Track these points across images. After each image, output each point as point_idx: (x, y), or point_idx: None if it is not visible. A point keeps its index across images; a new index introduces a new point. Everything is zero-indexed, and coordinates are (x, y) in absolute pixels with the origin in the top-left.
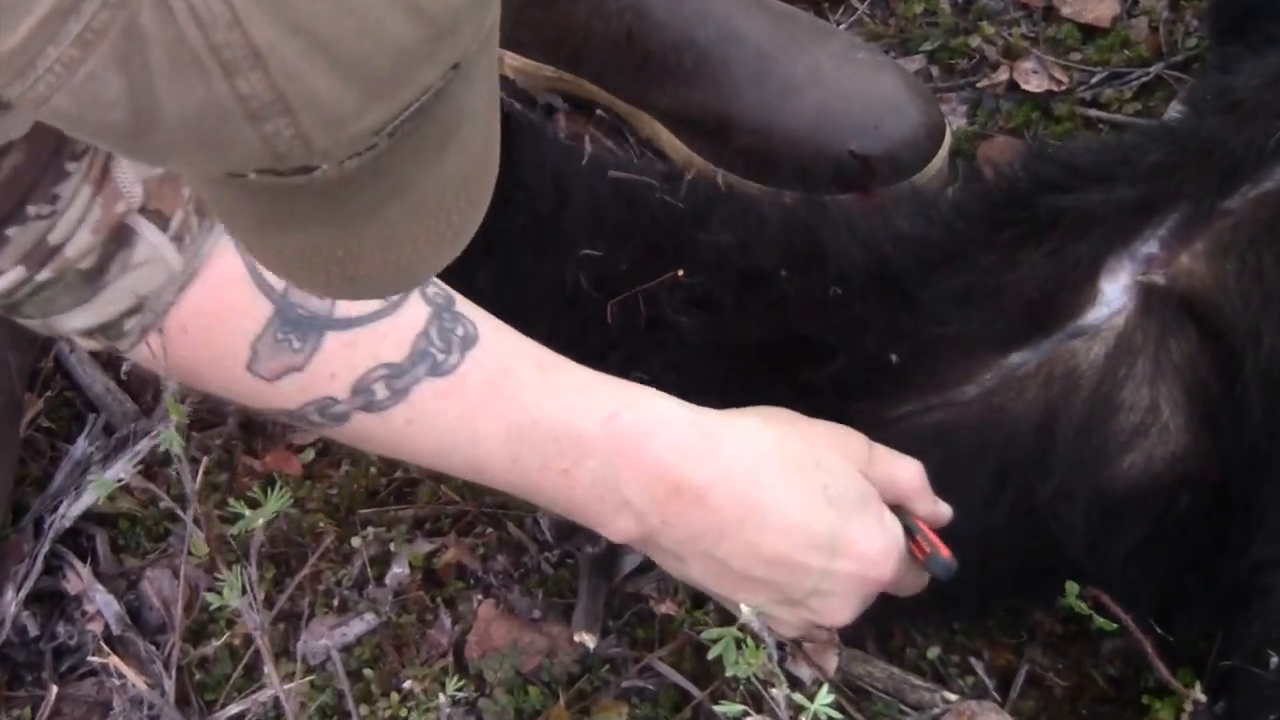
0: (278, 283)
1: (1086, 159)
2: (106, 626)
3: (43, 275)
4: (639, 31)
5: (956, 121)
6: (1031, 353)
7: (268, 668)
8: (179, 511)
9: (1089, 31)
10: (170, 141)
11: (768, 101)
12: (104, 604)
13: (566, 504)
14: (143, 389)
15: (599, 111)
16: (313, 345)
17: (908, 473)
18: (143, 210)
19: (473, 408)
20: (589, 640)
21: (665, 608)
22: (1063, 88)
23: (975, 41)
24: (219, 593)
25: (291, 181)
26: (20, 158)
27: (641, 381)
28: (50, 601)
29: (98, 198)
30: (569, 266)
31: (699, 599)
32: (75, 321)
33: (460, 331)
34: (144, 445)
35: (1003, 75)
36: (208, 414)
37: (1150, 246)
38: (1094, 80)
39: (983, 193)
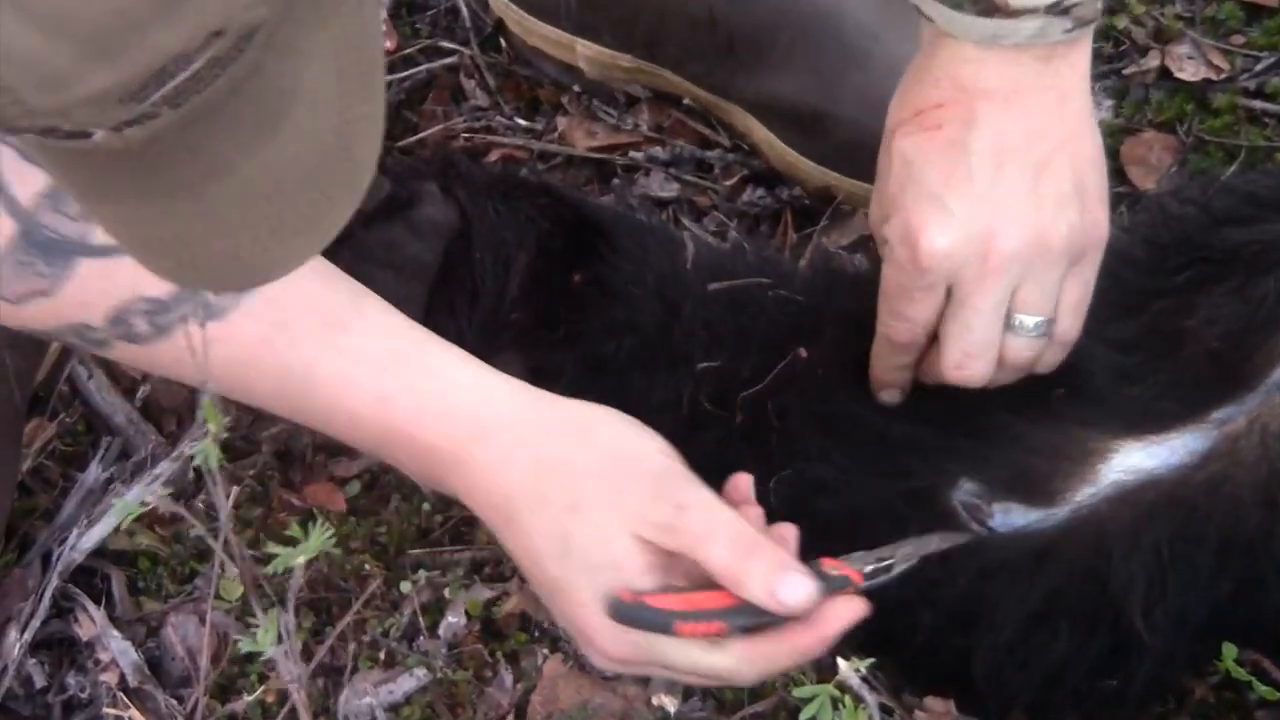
0: (27, 200)
1: (1269, 185)
2: (123, 678)
3: None
4: (722, 8)
5: (1099, 114)
6: (1237, 407)
7: None
8: (210, 541)
9: (1254, 10)
10: None
11: (871, 86)
12: (120, 652)
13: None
14: (164, 417)
15: (686, 101)
16: (61, 270)
17: (714, 553)
18: None
19: (242, 359)
20: (669, 703)
21: None
22: (1222, 76)
23: (1122, 22)
24: (251, 636)
25: (75, 145)
26: None
27: (787, 487)
28: (60, 648)
29: None
30: (685, 384)
31: None
32: None
33: None
34: (164, 468)
35: (1153, 61)
36: (241, 441)
37: None
38: (1259, 67)
39: (1149, 234)
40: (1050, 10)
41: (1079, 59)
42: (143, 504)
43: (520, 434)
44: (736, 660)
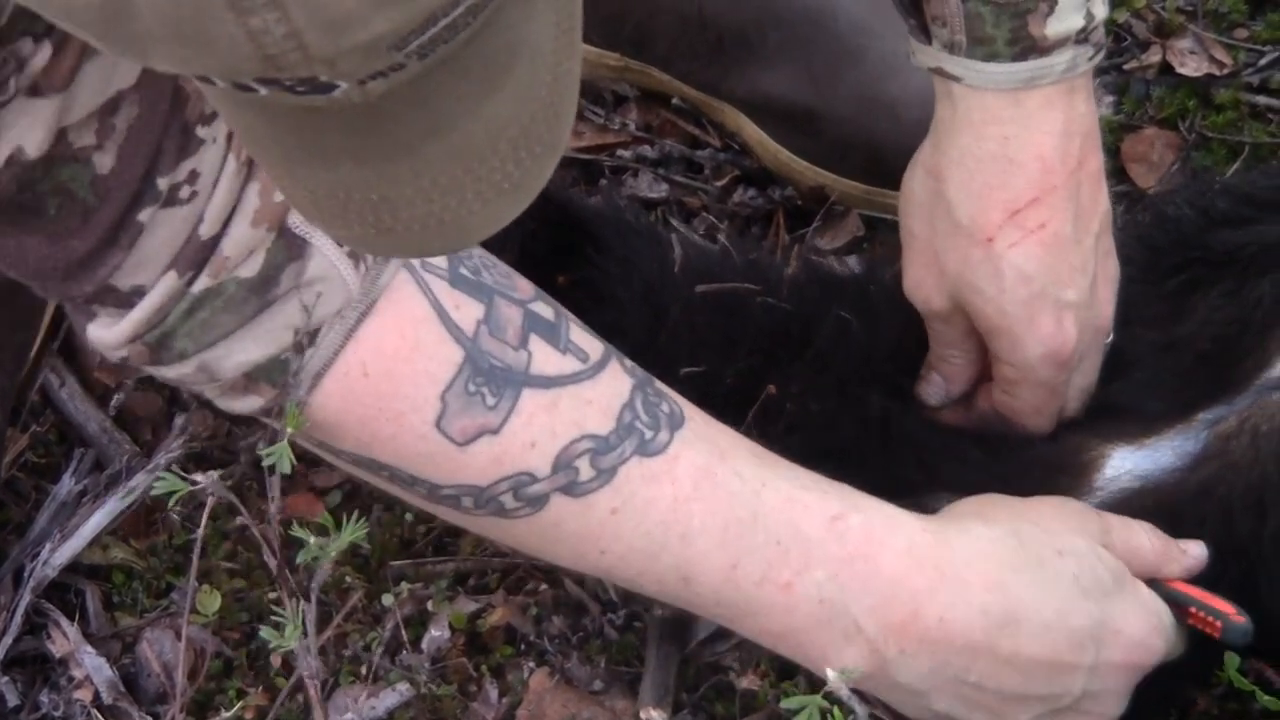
0: (468, 327)
1: (1264, 186)
2: (97, 695)
3: (200, 284)
4: (711, 5)
5: (1100, 110)
6: (1227, 408)
7: None
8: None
9: (1257, 4)
10: (149, 31)
11: (866, 85)
12: (94, 668)
13: (782, 630)
14: (139, 427)
15: (675, 100)
16: (509, 403)
17: (1146, 536)
18: None
19: (687, 496)
20: (658, 717)
21: (747, 680)
22: (1225, 71)
23: (1123, 16)
24: (272, 630)
25: (309, 101)
26: (135, 111)
27: None
28: (33, 666)
29: (252, 182)
30: (670, 388)
31: (786, 670)
32: (239, 355)
33: (666, 408)
34: (140, 480)
35: (1154, 56)
36: (219, 450)
37: None
38: (1263, 62)
39: (1145, 237)
40: (1078, 39)
41: (1091, 83)
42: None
43: (971, 524)
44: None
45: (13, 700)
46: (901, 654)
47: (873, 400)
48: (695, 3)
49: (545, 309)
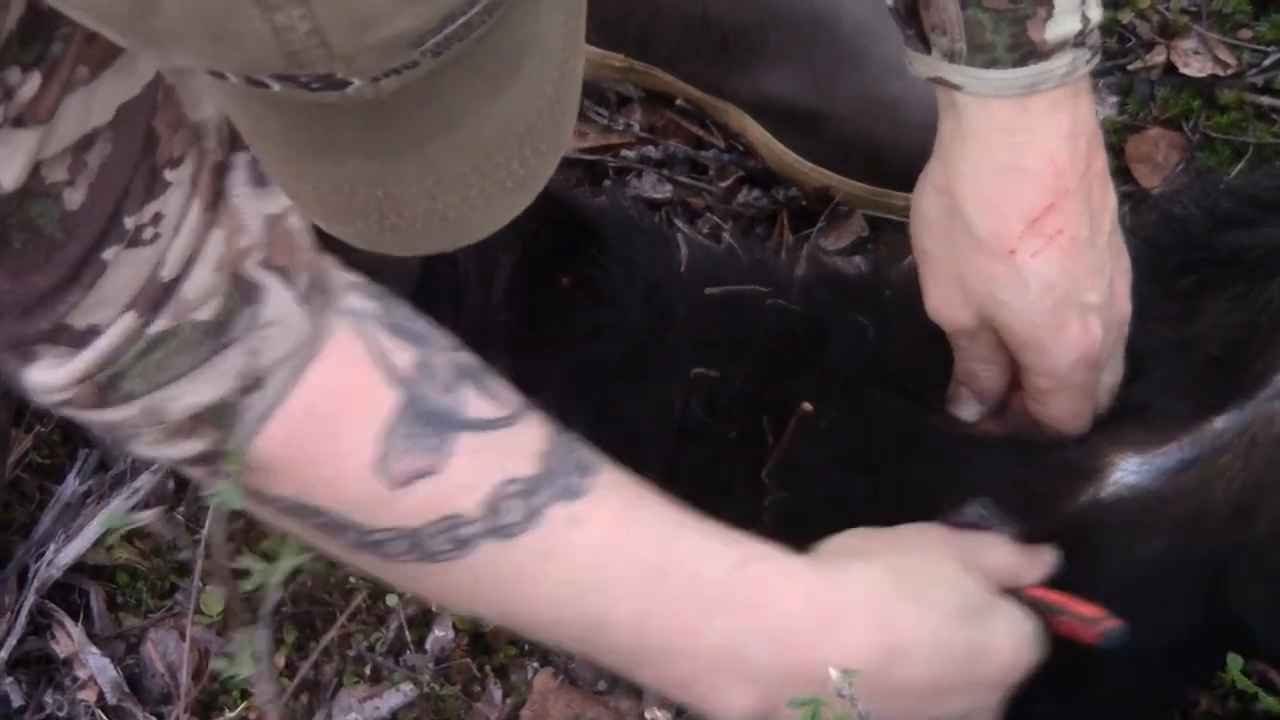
0: (407, 368)
1: (1269, 187)
2: (101, 695)
3: (157, 326)
4: (716, 6)
5: (1104, 111)
6: (1233, 418)
7: None
8: (192, 556)
9: (1261, 4)
10: (175, 27)
11: (868, 85)
12: (99, 669)
13: (684, 676)
14: None
15: (679, 101)
16: (448, 445)
17: (998, 548)
18: (266, 264)
19: (605, 540)
20: (662, 717)
21: None
22: (1230, 71)
23: (1126, 17)
24: (229, 657)
25: (322, 98)
26: (108, 149)
27: (780, 507)
28: (37, 666)
29: (215, 228)
30: (678, 392)
31: None
32: (189, 396)
33: (581, 455)
34: (144, 481)
35: (1159, 57)
36: None
37: None
38: (1267, 62)
39: (1152, 237)
40: (1076, 42)
41: (1089, 85)
42: (134, 510)
43: (854, 567)
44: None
45: (17, 701)
46: (794, 692)
47: (890, 406)
48: (699, 3)
49: (469, 358)
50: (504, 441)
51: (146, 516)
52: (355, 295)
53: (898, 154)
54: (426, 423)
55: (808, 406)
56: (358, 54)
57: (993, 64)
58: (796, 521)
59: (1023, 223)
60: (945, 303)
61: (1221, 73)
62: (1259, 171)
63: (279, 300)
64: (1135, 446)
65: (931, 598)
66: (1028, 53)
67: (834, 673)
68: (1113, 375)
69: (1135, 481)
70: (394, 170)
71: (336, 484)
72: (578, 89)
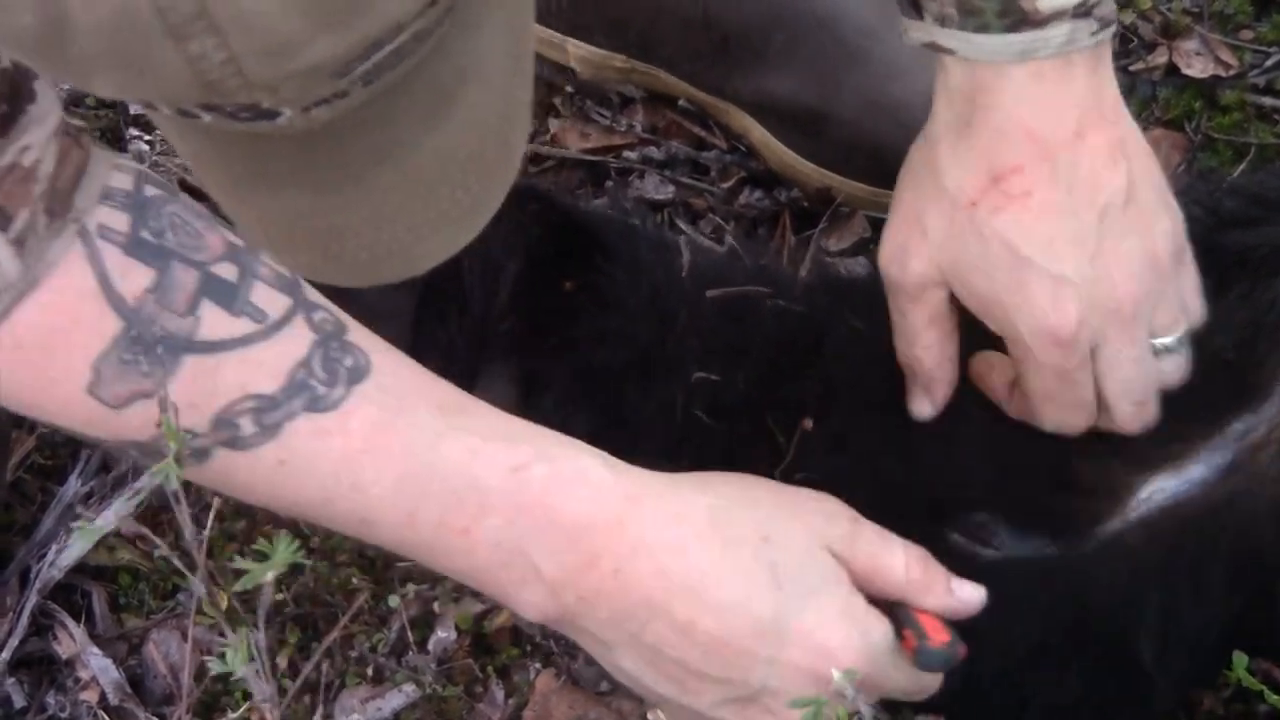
0: (133, 296)
1: (1272, 186)
2: (103, 696)
3: None
4: (717, 8)
5: None
6: (1255, 417)
7: None
8: (182, 565)
9: (1263, 4)
10: (88, 55)
11: (870, 87)
12: (101, 670)
13: (468, 571)
14: None
15: (681, 102)
16: (167, 369)
17: (898, 561)
18: None
19: (358, 449)
20: (664, 718)
21: None
22: (1231, 72)
23: (1129, 18)
24: (222, 657)
25: (255, 128)
26: None
27: None
28: (39, 667)
29: None
30: (680, 395)
31: None
32: None
33: (349, 362)
34: (145, 481)
35: (1160, 57)
36: None
37: None
38: (1269, 63)
39: None
40: (1076, 12)
41: (1109, 61)
42: (108, 528)
43: (680, 489)
44: (911, 678)
45: (19, 701)
46: (580, 600)
47: (890, 417)
48: (700, 5)
49: (229, 269)
50: (242, 360)
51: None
52: (105, 209)
53: (899, 155)
54: (146, 348)
55: (808, 424)
56: (278, 83)
57: (983, 29)
58: None
59: (987, 177)
60: (902, 249)
61: (1223, 73)
62: (1262, 171)
63: None
64: (1158, 458)
65: (754, 552)
66: (1019, 20)
67: (835, 673)
68: (1119, 371)
69: (1166, 494)
70: (333, 201)
71: (54, 405)
72: (526, 120)
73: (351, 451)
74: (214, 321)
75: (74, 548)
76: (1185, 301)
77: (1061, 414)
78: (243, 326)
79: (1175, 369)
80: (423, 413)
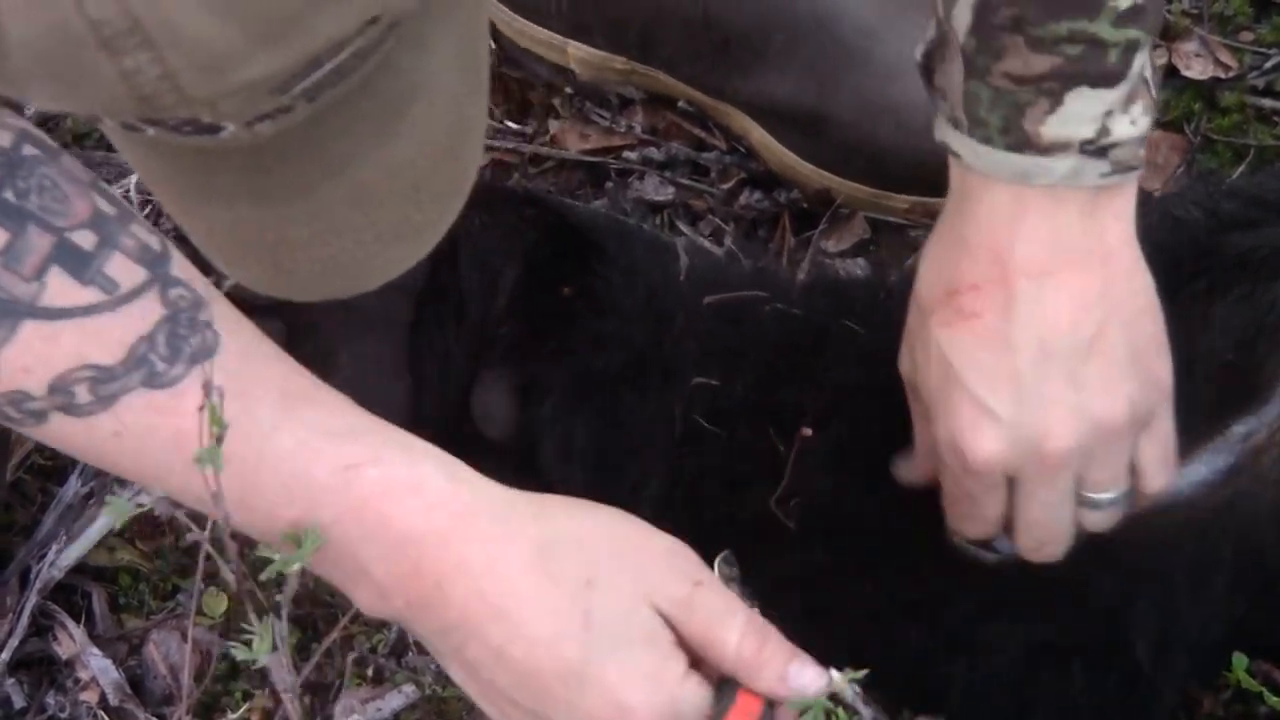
0: None
1: (1275, 188)
2: (103, 696)
3: None
4: (716, 9)
5: None
6: (1257, 420)
7: None
8: (213, 551)
9: (1263, 6)
10: (22, 68)
11: (870, 88)
12: (100, 670)
13: (303, 561)
14: None
15: (681, 103)
16: (5, 333)
17: (731, 636)
18: None
19: (190, 430)
20: None
21: None
22: (1231, 74)
23: None
24: (248, 644)
25: (197, 142)
26: None
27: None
28: (39, 667)
29: None
30: (678, 401)
31: None
32: None
33: (196, 341)
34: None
35: (1160, 59)
36: None
37: None
38: (1268, 65)
39: (1155, 240)
40: (1085, 149)
41: (1124, 207)
42: (137, 505)
43: (517, 513)
44: None
45: (19, 702)
46: (409, 606)
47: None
48: (700, 6)
49: (87, 238)
50: (82, 329)
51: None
52: None
53: (899, 156)
54: None
55: (807, 431)
56: (217, 98)
57: (987, 141)
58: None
59: (944, 291)
60: (902, 350)
61: (1223, 75)
62: (1261, 173)
63: None
64: None
65: (574, 593)
66: (1021, 141)
67: (835, 675)
68: (1040, 512)
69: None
70: (283, 215)
71: None
72: (479, 136)
73: (183, 431)
74: (60, 289)
75: (78, 545)
76: (1141, 462)
77: (960, 522)
78: (89, 296)
79: (1100, 521)
80: (261, 400)
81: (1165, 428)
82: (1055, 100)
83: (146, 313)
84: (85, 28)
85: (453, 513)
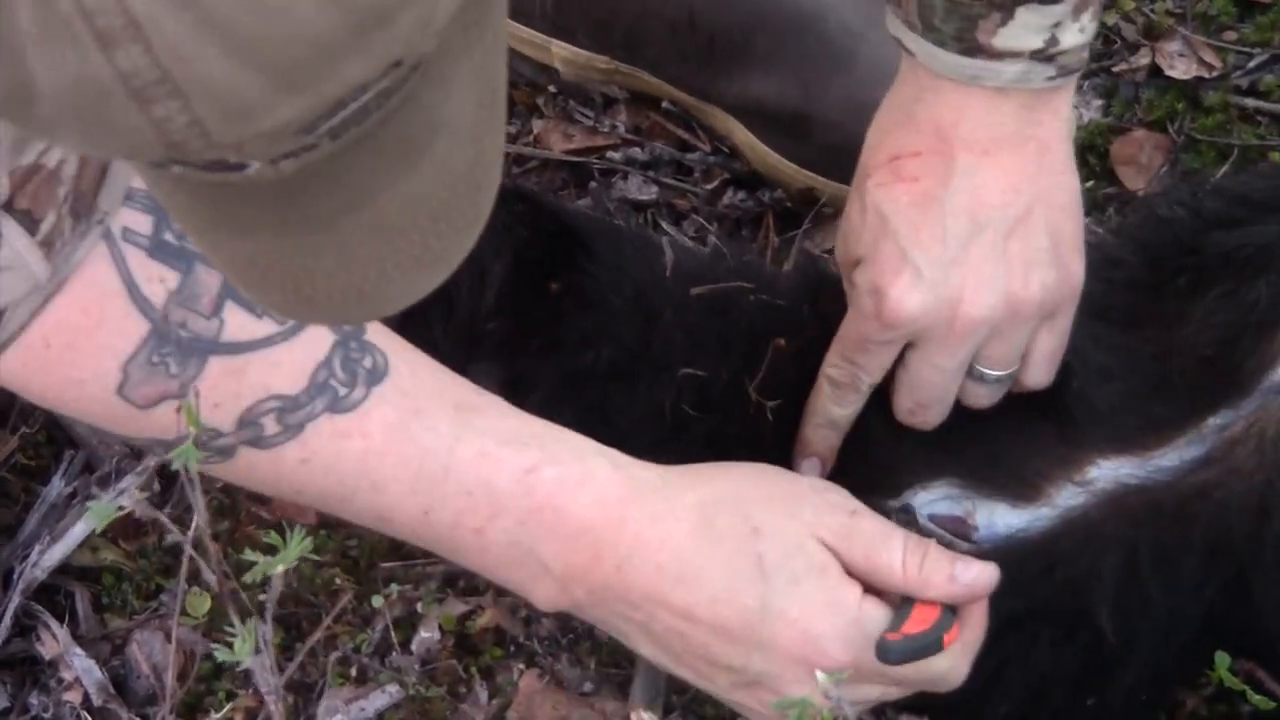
0: (159, 299)
1: (1260, 187)
2: (86, 697)
3: None
4: (702, 9)
5: (1088, 114)
6: (1230, 414)
7: None
8: (187, 549)
9: (1246, 6)
10: (53, 116)
11: (855, 89)
12: (84, 670)
13: (483, 566)
14: None
15: (665, 103)
16: (193, 371)
17: (895, 558)
18: (8, 208)
19: (377, 451)
20: (648, 718)
21: None
22: (1214, 73)
23: (1111, 19)
24: (229, 645)
25: (226, 179)
26: None
27: None
28: (22, 667)
29: None
30: (666, 392)
31: None
32: None
33: (369, 363)
34: (129, 481)
35: (1143, 59)
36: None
37: None
38: (1252, 64)
39: (1139, 238)
40: (1035, 56)
41: (1062, 105)
42: (119, 508)
43: (674, 486)
44: (952, 658)
45: (2, 702)
46: (589, 594)
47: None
48: (685, 7)
49: None
50: (265, 361)
51: (132, 504)
52: (128, 211)
53: None
54: (174, 350)
55: (780, 342)
56: (243, 142)
57: (940, 45)
58: None
59: (887, 156)
60: (841, 250)
61: (1206, 75)
62: (1246, 172)
63: (14, 244)
64: (1120, 446)
65: (740, 544)
66: (973, 48)
67: (820, 675)
68: (911, 379)
69: (1135, 477)
70: (305, 246)
71: (82, 403)
72: (497, 164)
73: (371, 452)
74: (238, 323)
75: (60, 545)
76: (1032, 352)
77: (840, 364)
78: (265, 328)
79: (982, 396)
80: (439, 415)
81: (1064, 325)
82: (1007, 14)
83: (319, 339)
84: (114, 79)
85: (621, 498)
